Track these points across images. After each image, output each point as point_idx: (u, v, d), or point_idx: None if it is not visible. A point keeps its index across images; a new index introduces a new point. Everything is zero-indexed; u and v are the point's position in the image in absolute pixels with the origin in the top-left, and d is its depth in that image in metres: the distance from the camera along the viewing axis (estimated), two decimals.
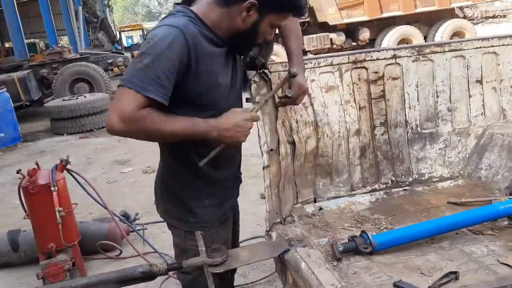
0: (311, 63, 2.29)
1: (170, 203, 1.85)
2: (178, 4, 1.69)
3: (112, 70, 12.41)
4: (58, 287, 1.64)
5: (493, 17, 18.89)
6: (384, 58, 2.39)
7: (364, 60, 2.38)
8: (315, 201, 2.35)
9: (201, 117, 1.61)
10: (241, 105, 1.85)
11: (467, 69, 2.49)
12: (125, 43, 23.10)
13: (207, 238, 1.74)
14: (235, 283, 3.15)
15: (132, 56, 16.46)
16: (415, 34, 11.85)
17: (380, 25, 12.11)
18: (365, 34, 11.91)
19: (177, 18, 1.58)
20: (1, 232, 3.91)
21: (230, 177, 1.88)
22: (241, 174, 2.01)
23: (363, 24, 11.92)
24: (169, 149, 1.78)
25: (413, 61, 2.42)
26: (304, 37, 11.17)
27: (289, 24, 1.95)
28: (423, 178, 2.50)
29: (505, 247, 1.79)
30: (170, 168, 1.82)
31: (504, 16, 19.19)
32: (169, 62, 1.49)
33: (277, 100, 2.05)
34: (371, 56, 2.38)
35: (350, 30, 11.96)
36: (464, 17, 12.82)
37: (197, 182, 1.78)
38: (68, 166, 3.48)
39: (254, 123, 1.71)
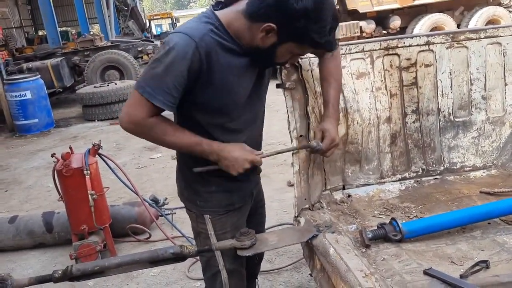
0: (342, 49, 2.26)
1: (184, 185, 1.91)
2: (218, 2, 1.68)
3: (141, 57, 12.54)
4: (92, 266, 1.69)
5: None
6: (417, 45, 2.34)
7: (397, 47, 2.34)
8: (343, 188, 2.34)
9: (212, 121, 1.70)
10: (259, 114, 1.87)
11: (503, 56, 2.41)
12: (154, 31, 23.33)
13: (215, 223, 1.78)
14: (262, 268, 3.20)
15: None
16: (448, 22, 11.52)
17: (412, 13, 11.81)
18: (396, 22, 11.63)
19: (199, 25, 1.58)
20: (36, 213, 4.06)
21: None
22: (258, 170, 2.00)
23: (393, 12, 11.64)
24: None
25: (447, 48, 2.37)
26: None
27: (328, 64, 1.93)
28: (455, 167, 2.45)
29: None
30: (182, 154, 1.87)
31: None
32: (179, 74, 1.53)
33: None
34: (404, 43, 2.33)
35: (381, 18, 11.70)
36: (500, 4, 12.36)
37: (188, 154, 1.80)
38: (100, 151, 3.58)
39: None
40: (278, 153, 1.88)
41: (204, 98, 1.64)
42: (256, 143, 1.90)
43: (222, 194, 1.83)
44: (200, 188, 1.85)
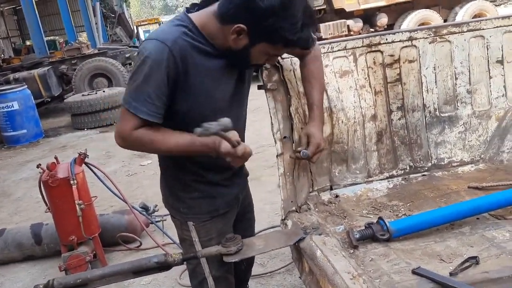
0: (324, 48, 2.24)
1: (168, 192, 1.88)
2: (194, 4, 1.65)
3: (130, 64, 12.47)
4: (74, 278, 1.65)
5: None
6: (400, 41, 2.32)
7: (379, 44, 2.31)
8: (331, 189, 2.31)
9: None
10: (240, 118, 1.83)
11: (487, 49, 2.40)
12: (142, 37, 23.21)
13: (200, 230, 1.76)
14: (255, 272, 3.16)
15: None
16: (434, 18, 11.56)
17: (398, 10, 11.85)
18: (383, 20, 11.66)
19: (171, 29, 1.56)
20: (25, 226, 4.00)
21: (222, 178, 1.82)
22: (244, 174, 1.98)
23: (380, 9, 11.68)
24: None
25: (430, 43, 2.35)
26: (320, 24, 11.01)
27: (310, 65, 1.91)
28: (443, 163, 2.43)
29: None
30: (164, 159, 1.84)
31: None
32: (159, 82, 1.51)
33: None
34: (386, 39, 2.31)
35: (368, 16, 11.73)
36: None
37: (185, 177, 1.77)
38: (88, 160, 3.53)
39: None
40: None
41: (184, 105, 1.60)
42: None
43: (206, 200, 1.79)
44: (183, 195, 1.81)
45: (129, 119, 1.56)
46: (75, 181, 3.33)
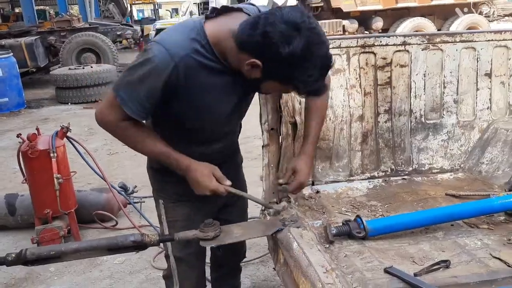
0: None
1: (147, 167, 1.96)
2: (214, 9, 1.58)
3: (120, 42, 12.34)
4: (48, 250, 1.63)
5: (510, 15, 18.57)
6: (394, 44, 2.35)
7: (373, 45, 2.33)
8: (313, 184, 2.33)
9: (187, 132, 1.70)
10: (236, 127, 1.88)
11: (477, 61, 2.45)
12: (136, 16, 22.90)
13: (167, 210, 1.79)
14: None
15: (142, 30, 16.36)
16: (428, 27, 11.69)
17: (394, 15, 11.95)
18: (378, 23, 11.76)
19: (184, 41, 1.50)
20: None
21: None
22: (234, 164, 2.01)
23: (377, 13, 11.76)
24: None
25: (422, 50, 2.38)
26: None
27: (316, 100, 1.88)
28: (423, 169, 2.48)
29: (499, 242, 1.78)
30: None
31: None
32: (152, 88, 1.50)
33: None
34: (380, 42, 2.34)
35: (364, 18, 11.80)
36: (480, 13, 12.62)
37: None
38: (70, 135, 3.49)
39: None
40: (246, 197, 1.86)
41: (181, 111, 1.62)
42: (230, 150, 1.92)
43: (177, 184, 1.80)
44: (157, 175, 1.88)
45: (115, 108, 1.56)
46: (55, 154, 3.29)
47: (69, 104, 8.88)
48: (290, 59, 1.38)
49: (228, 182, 1.72)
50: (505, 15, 18.03)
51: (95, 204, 3.81)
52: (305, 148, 1.90)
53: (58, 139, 3.37)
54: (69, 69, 9.12)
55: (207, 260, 2.28)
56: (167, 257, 1.92)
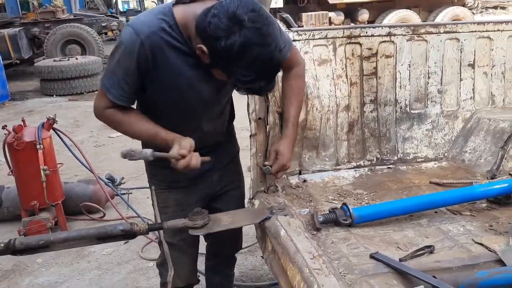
0: (305, 34, 2.27)
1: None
2: None
3: (106, 33, 12.17)
4: (37, 240, 1.63)
5: (494, 8, 18.79)
6: (379, 35, 2.37)
7: (359, 36, 2.36)
8: (300, 173, 2.36)
9: (168, 115, 1.73)
10: (220, 116, 1.89)
11: (461, 52, 2.49)
12: (121, 7, 22.62)
13: (159, 195, 1.82)
14: None
15: (127, 21, 16.17)
16: (414, 19, 11.77)
17: (380, 7, 12.00)
18: (364, 16, 11.80)
19: (152, 21, 1.55)
20: None
21: None
22: (226, 153, 2.03)
23: (362, 5, 11.80)
24: None
25: (407, 40, 2.41)
26: (303, 14, 11.05)
27: (292, 83, 1.91)
28: (408, 158, 2.52)
29: (481, 228, 1.82)
30: None
31: (504, 8, 19.09)
32: (127, 69, 1.57)
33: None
34: (366, 32, 2.36)
35: (350, 10, 11.83)
36: (464, 5, 12.74)
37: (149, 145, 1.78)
38: (56, 126, 3.46)
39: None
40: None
41: (155, 95, 1.68)
42: (218, 138, 1.93)
43: (167, 171, 1.76)
44: (151, 162, 1.85)
45: (102, 97, 1.64)
46: (42, 146, 3.27)
47: (54, 96, 8.79)
48: (225, 53, 1.41)
49: (207, 159, 1.71)
50: (489, 8, 18.25)
51: (82, 196, 3.80)
52: (286, 132, 1.92)
53: (44, 131, 3.35)
54: (54, 61, 8.99)
55: (203, 250, 2.31)
56: (160, 243, 1.94)
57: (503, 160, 2.28)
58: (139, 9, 22.16)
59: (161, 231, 1.74)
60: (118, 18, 13.31)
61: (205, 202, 1.97)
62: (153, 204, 1.82)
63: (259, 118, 2.03)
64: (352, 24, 11.65)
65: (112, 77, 1.60)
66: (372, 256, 1.60)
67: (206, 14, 1.44)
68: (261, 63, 1.43)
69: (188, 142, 1.64)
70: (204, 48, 1.46)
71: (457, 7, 12.12)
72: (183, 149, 1.60)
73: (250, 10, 1.39)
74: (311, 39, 2.29)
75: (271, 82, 1.52)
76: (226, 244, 2.23)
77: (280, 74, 1.95)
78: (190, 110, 1.76)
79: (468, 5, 12.77)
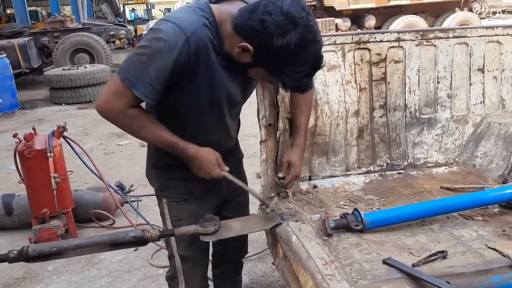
0: None
1: (149, 166, 1.91)
2: None
3: (114, 42, 12.31)
4: (50, 247, 1.64)
5: (501, 12, 18.74)
6: (388, 41, 2.37)
7: (368, 42, 2.36)
8: (310, 179, 2.35)
9: (188, 119, 1.67)
10: (236, 119, 1.87)
11: (470, 56, 2.48)
12: (128, 16, 22.82)
13: (171, 209, 1.80)
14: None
15: (135, 30, 16.31)
16: (420, 24, 11.76)
17: (387, 13, 12.02)
18: (371, 22, 11.82)
19: (192, 17, 1.48)
20: None
21: None
22: (236, 159, 2.03)
23: (369, 11, 11.83)
24: None
25: (416, 45, 2.41)
26: None
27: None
28: (418, 163, 2.51)
29: (494, 233, 1.81)
30: None
31: (511, 13, 19.03)
32: (164, 66, 1.45)
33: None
34: (375, 38, 2.36)
35: (356, 17, 11.86)
36: (471, 10, 12.71)
37: (166, 156, 1.75)
38: (66, 135, 3.49)
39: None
40: (243, 188, 1.87)
41: (184, 96, 1.59)
42: (229, 144, 1.91)
43: (181, 182, 1.80)
44: (160, 173, 1.84)
45: (123, 94, 1.49)
46: (52, 154, 3.29)
47: (63, 104, 8.86)
48: (281, 52, 1.38)
49: (227, 168, 1.74)
50: (496, 12, 18.20)
51: (92, 203, 3.81)
52: (297, 141, 1.94)
53: (55, 139, 3.37)
54: (63, 69, 9.09)
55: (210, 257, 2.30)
56: (171, 257, 1.91)
57: None
58: (147, 18, 22.34)
59: (174, 244, 1.74)
60: (126, 26, 13.43)
61: (215, 210, 1.96)
62: (165, 218, 1.81)
63: (269, 124, 2.03)
64: (360, 30, 11.67)
65: (140, 73, 1.46)
66: (384, 262, 1.59)
67: (251, 11, 1.40)
68: (312, 59, 1.44)
69: (215, 155, 1.68)
70: (249, 46, 1.42)
71: (464, 12, 12.08)
72: (221, 165, 1.69)
73: (301, 8, 1.40)
74: None
75: (312, 78, 1.54)
76: (233, 250, 2.22)
77: None
78: (218, 112, 1.70)
79: (475, 10, 12.74)
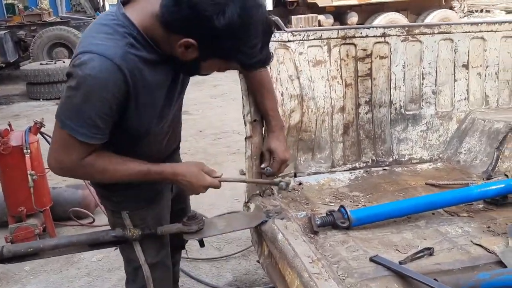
0: (300, 35, 2.24)
1: (98, 183, 1.72)
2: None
3: None
4: (26, 247, 1.58)
5: (480, 11, 19.06)
6: (374, 36, 2.35)
7: (354, 37, 2.34)
8: (295, 176, 2.32)
9: (134, 139, 1.52)
10: (180, 115, 1.77)
11: (455, 52, 2.48)
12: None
13: (135, 217, 1.67)
14: (210, 256, 3.16)
15: None
16: (402, 22, 11.84)
17: (369, 10, 12.06)
18: (353, 18, 11.84)
19: (115, 41, 1.31)
20: None
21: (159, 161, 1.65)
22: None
23: (352, 8, 11.85)
24: None
25: (402, 41, 2.40)
26: (292, 17, 11.07)
27: (259, 76, 1.81)
28: (403, 159, 2.50)
29: (479, 229, 1.81)
30: None
31: (489, 11, 19.39)
32: (102, 104, 1.31)
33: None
34: (361, 33, 2.34)
35: (339, 13, 11.87)
36: (451, 8, 12.87)
37: (113, 190, 1.64)
38: (44, 130, 3.39)
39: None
40: (241, 181, 1.83)
41: (134, 121, 1.44)
42: (175, 141, 1.83)
43: (141, 186, 1.64)
44: (120, 196, 1.67)
45: (69, 146, 1.36)
46: (29, 150, 3.20)
47: (41, 100, 8.66)
48: (228, 31, 1.23)
49: (219, 173, 1.66)
50: (475, 11, 18.50)
51: (71, 201, 3.73)
52: (270, 127, 1.88)
53: (32, 135, 3.28)
54: (41, 64, 8.88)
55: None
56: (137, 269, 1.72)
57: (498, 160, 2.27)
58: None
59: (141, 254, 1.67)
60: None
61: (171, 208, 1.87)
62: (127, 229, 1.66)
63: (255, 120, 1.99)
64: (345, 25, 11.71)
65: (78, 116, 1.31)
66: (372, 259, 1.57)
67: (175, 2, 1.25)
68: (262, 25, 1.29)
69: (196, 166, 1.61)
70: (192, 40, 1.28)
71: (444, 10, 12.23)
72: (214, 173, 1.62)
73: None
74: (306, 40, 2.26)
75: (269, 47, 1.38)
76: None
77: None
78: (162, 123, 1.57)
79: (455, 8, 12.91)
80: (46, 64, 8.82)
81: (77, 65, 1.29)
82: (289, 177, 2.21)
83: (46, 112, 7.73)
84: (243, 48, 1.29)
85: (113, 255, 3.24)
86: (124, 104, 1.37)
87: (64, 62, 8.90)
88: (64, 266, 3.17)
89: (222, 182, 1.65)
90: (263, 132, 2.02)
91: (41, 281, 3.03)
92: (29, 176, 3.18)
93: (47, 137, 3.39)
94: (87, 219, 3.75)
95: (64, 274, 3.09)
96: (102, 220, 3.69)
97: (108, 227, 1.73)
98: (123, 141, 1.50)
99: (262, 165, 1.89)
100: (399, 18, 11.85)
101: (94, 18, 13.07)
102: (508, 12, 18.65)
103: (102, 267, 3.15)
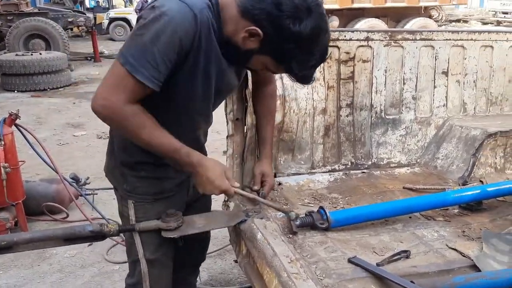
0: None
1: (113, 163, 1.72)
2: None
3: (71, 29, 11.84)
4: (0, 240, 1.53)
5: (456, 21, 19.54)
6: (357, 39, 2.38)
7: (337, 39, 2.35)
8: (275, 176, 2.31)
9: (174, 110, 1.53)
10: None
11: (435, 59, 2.53)
12: (87, 3, 22.03)
13: (139, 209, 1.66)
14: None
15: (95, 18, 15.75)
16: (381, 28, 12.05)
17: (350, 15, 12.25)
18: (334, 23, 11.99)
19: None
20: None
21: None
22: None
23: (333, 12, 12.00)
24: None
25: (384, 46, 2.43)
26: None
27: (269, 101, 1.91)
28: (382, 163, 2.53)
29: (454, 233, 1.84)
30: (120, 135, 1.66)
31: (466, 22, 19.90)
32: (169, 45, 1.32)
33: None
34: (345, 36, 2.36)
35: None
36: (430, 17, 13.16)
37: (135, 154, 1.61)
38: (18, 122, 3.30)
39: None
40: (254, 200, 1.79)
41: (183, 81, 1.45)
42: (204, 139, 1.82)
43: (151, 181, 1.66)
44: (128, 172, 1.66)
45: (123, 85, 1.33)
46: (3, 142, 3.12)
47: (16, 91, 8.45)
48: (296, 37, 1.32)
49: (237, 184, 1.63)
50: (452, 21, 18.95)
51: (45, 196, 3.64)
52: (266, 152, 1.94)
53: (6, 127, 3.19)
54: (16, 55, 8.66)
55: None
56: (135, 262, 1.73)
57: (474, 167, 2.32)
58: (107, 6, 21.66)
59: (140, 249, 1.64)
60: (85, 14, 12.97)
61: (183, 210, 1.87)
62: (125, 219, 1.70)
63: (237, 119, 1.99)
64: None
65: (143, 54, 1.31)
66: (350, 261, 1.58)
67: None
68: (323, 49, 1.40)
69: (221, 167, 1.58)
70: (259, 30, 1.33)
71: (424, 18, 12.50)
72: (233, 182, 1.61)
73: None
74: None
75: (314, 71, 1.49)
76: (195, 254, 2.11)
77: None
78: (208, 101, 1.59)
79: (433, 17, 13.20)
80: (22, 55, 8.61)
81: (155, 6, 1.33)
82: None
83: (21, 104, 7.55)
84: (300, 58, 1.38)
85: (87, 251, 3.19)
86: (183, 58, 1.38)
87: (40, 54, 8.72)
88: (36, 261, 3.10)
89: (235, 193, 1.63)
90: (245, 131, 2.01)
91: (11, 276, 2.95)
92: (2, 168, 3.09)
93: (22, 130, 3.31)
94: (61, 214, 3.68)
95: (36, 270, 3.02)
96: (76, 215, 3.62)
97: (83, 223, 1.70)
98: (164, 112, 1.49)
99: (255, 187, 1.89)
100: (379, 25, 12.07)
101: (73, 10, 12.83)
102: (485, 23, 19.18)
103: (75, 263, 3.08)
